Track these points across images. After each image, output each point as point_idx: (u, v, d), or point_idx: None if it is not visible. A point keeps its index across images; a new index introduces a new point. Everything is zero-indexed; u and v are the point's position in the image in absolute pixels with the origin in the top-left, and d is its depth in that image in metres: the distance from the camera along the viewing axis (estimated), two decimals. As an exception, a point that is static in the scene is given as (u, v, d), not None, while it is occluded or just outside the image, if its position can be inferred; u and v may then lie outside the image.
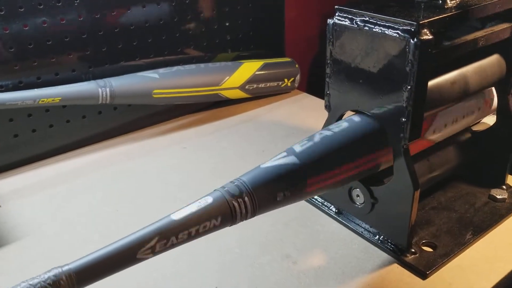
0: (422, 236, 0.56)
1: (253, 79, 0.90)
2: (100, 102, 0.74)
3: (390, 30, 0.46)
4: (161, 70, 0.81)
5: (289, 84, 0.96)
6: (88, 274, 0.36)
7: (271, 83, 0.93)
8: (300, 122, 0.86)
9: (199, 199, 0.41)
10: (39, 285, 0.34)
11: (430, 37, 0.45)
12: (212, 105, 0.93)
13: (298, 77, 0.97)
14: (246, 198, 0.42)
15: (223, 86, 0.86)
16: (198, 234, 0.40)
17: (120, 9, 0.78)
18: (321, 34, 0.49)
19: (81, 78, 0.77)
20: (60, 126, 0.78)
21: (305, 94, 0.99)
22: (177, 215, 0.40)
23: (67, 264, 0.36)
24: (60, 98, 0.70)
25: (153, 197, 0.67)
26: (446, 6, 0.50)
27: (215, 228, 0.41)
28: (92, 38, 0.76)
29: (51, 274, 0.35)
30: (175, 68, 0.83)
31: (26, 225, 0.62)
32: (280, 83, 0.94)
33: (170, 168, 0.74)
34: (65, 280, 0.35)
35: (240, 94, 0.90)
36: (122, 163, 0.76)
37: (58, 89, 0.71)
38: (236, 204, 0.41)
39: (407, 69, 0.45)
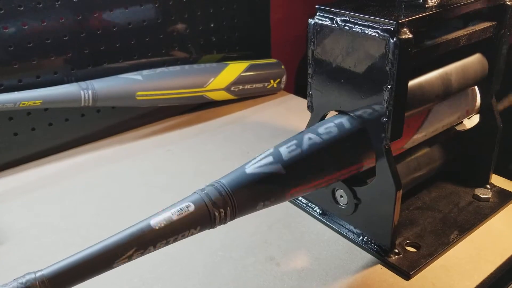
0: (406, 237, 0.56)
1: (238, 81, 0.89)
2: (82, 104, 0.73)
3: (370, 29, 0.46)
4: (144, 72, 0.80)
5: (275, 85, 0.95)
6: (63, 280, 0.35)
7: (257, 85, 0.93)
8: (286, 123, 0.86)
9: (178, 203, 0.41)
10: None
11: (410, 36, 0.44)
12: (197, 107, 0.92)
13: (284, 78, 0.96)
14: (226, 203, 0.41)
15: (208, 87, 0.86)
16: (176, 241, 0.40)
17: (102, 10, 0.77)
18: (307, 36, 0.48)
19: (63, 80, 0.76)
20: (42, 129, 0.77)
21: (291, 95, 0.99)
22: (156, 222, 0.39)
23: (41, 270, 0.35)
24: (41, 101, 0.69)
25: (136, 200, 0.66)
26: (426, 5, 0.49)
27: (194, 234, 0.40)
28: (74, 40, 0.76)
29: (24, 279, 0.34)
30: (159, 69, 0.82)
31: (6, 230, 0.61)
32: (266, 84, 0.94)
33: (154, 171, 0.73)
34: (38, 286, 0.34)
35: (226, 95, 0.89)
36: (106, 166, 0.75)
37: (39, 92, 0.70)
38: (215, 210, 0.41)
39: (387, 68, 0.45)
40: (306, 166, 0.47)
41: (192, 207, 0.40)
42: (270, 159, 0.46)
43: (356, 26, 0.47)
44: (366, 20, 0.47)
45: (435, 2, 0.50)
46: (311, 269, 0.53)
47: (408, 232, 0.57)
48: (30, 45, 0.72)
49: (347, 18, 0.48)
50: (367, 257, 0.54)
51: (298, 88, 1.17)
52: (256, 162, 0.46)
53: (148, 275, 0.53)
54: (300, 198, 0.63)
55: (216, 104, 0.92)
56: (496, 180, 0.65)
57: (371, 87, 0.48)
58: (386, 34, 0.45)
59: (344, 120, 0.51)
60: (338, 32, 0.49)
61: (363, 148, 0.50)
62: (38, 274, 0.35)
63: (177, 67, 0.85)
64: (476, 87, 0.61)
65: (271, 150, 0.47)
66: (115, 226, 0.40)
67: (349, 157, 0.50)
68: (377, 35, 0.45)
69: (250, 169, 0.45)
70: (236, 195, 0.42)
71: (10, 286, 0.34)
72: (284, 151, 0.47)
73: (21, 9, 0.69)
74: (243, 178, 0.44)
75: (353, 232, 0.57)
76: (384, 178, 0.50)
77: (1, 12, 0.68)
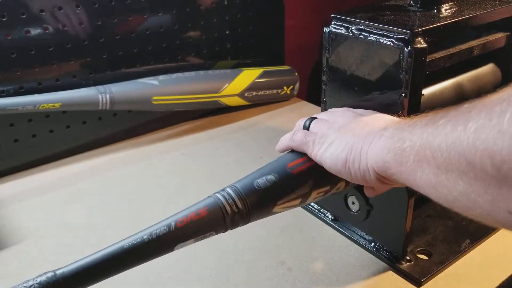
0: (417, 244, 0.56)
1: (252, 87, 0.90)
2: (100, 108, 0.74)
3: (384, 38, 0.47)
4: (161, 77, 0.82)
5: (288, 92, 0.96)
6: (81, 278, 0.36)
7: (270, 91, 0.94)
8: (299, 129, 0.86)
9: (193, 206, 0.41)
10: None
11: (424, 45, 0.45)
12: (211, 112, 0.94)
13: (297, 85, 0.97)
14: (240, 207, 0.42)
15: (223, 93, 0.87)
16: (190, 244, 0.41)
17: (121, 16, 0.79)
18: (321, 42, 0.49)
19: (81, 84, 0.78)
20: (60, 132, 0.78)
21: (304, 102, 1.00)
22: (172, 224, 0.40)
23: (61, 268, 0.36)
24: (60, 103, 0.71)
25: (150, 202, 0.67)
26: (440, 15, 0.50)
27: (207, 237, 0.41)
28: (93, 44, 0.77)
29: (44, 277, 0.35)
30: (175, 75, 0.84)
31: (24, 229, 0.62)
32: (279, 91, 0.95)
33: (168, 174, 0.75)
34: (58, 283, 0.35)
35: (239, 101, 0.90)
36: (121, 169, 0.76)
37: (59, 95, 0.71)
38: (229, 214, 0.41)
39: (401, 77, 0.46)
40: (322, 174, 0.46)
41: (206, 211, 0.41)
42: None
43: (371, 35, 0.48)
44: (381, 29, 0.47)
45: (449, 13, 0.51)
46: (323, 274, 0.53)
47: (419, 240, 0.57)
48: (51, 49, 0.74)
49: (362, 27, 0.49)
50: (379, 263, 0.55)
51: (311, 95, 1.17)
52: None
53: (163, 274, 0.54)
54: (312, 204, 0.63)
55: (230, 109, 0.93)
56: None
57: (385, 96, 0.49)
58: (400, 43, 0.45)
59: None
60: (353, 41, 0.50)
61: None
62: (58, 272, 0.36)
63: (193, 73, 0.86)
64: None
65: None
66: (131, 227, 0.41)
67: None
68: (392, 44, 0.46)
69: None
70: (250, 199, 0.43)
71: (30, 283, 0.35)
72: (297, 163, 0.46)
73: (43, 14, 0.71)
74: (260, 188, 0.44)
75: (364, 239, 0.57)
76: (396, 185, 0.51)
77: (24, 17, 0.70)
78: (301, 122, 0.50)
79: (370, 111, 0.47)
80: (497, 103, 0.26)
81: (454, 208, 0.32)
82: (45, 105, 0.70)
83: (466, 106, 0.30)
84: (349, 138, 0.42)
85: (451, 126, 0.30)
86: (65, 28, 0.74)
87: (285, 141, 0.48)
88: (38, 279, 0.35)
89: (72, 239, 0.60)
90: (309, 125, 0.48)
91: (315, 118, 0.49)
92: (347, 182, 0.46)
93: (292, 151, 0.48)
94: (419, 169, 0.33)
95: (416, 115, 0.37)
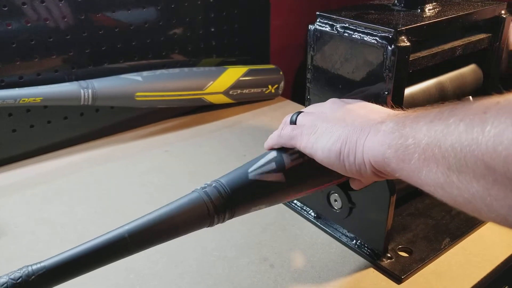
0: (398, 242, 0.57)
1: (237, 85, 0.90)
2: (82, 103, 0.73)
3: (368, 36, 0.47)
4: (144, 73, 0.81)
5: (273, 90, 0.96)
6: (59, 273, 0.36)
7: (255, 89, 0.94)
8: (283, 128, 0.87)
9: (178, 200, 0.41)
10: (5, 285, 0.34)
11: (408, 44, 0.46)
12: (196, 110, 0.93)
13: (282, 84, 0.98)
14: (224, 202, 0.42)
15: (207, 90, 0.87)
16: (173, 238, 0.40)
17: (105, 11, 0.78)
18: (307, 43, 0.49)
19: (63, 79, 0.77)
20: (41, 127, 0.77)
21: (288, 101, 1.00)
22: (155, 218, 0.39)
23: (39, 262, 0.35)
24: (41, 98, 0.70)
25: (132, 199, 0.67)
26: (424, 15, 0.51)
27: (191, 231, 0.41)
28: (76, 39, 0.76)
29: (20, 272, 0.35)
30: (159, 71, 0.83)
31: (3, 225, 0.61)
32: (264, 89, 0.95)
33: (152, 171, 0.74)
34: (34, 278, 0.34)
35: (224, 99, 0.90)
36: (103, 165, 0.76)
37: (40, 89, 0.70)
38: (214, 208, 0.41)
39: (385, 75, 0.46)
40: (306, 176, 0.46)
41: (191, 205, 0.40)
42: (273, 165, 0.45)
43: (355, 33, 0.49)
44: (365, 28, 0.48)
45: (432, 13, 0.51)
46: (304, 271, 0.53)
47: (400, 237, 0.57)
48: (32, 42, 0.72)
49: (347, 25, 0.49)
50: (360, 260, 0.55)
51: (296, 94, 1.18)
52: (258, 168, 0.45)
53: (144, 272, 0.53)
54: (295, 201, 0.63)
55: (214, 107, 0.93)
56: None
57: (369, 93, 0.49)
58: (384, 42, 0.46)
59: None
60: (338, 39, 0.51)
61: None
62: (35, 266, 0.35)
63: (177, 70, 0.85)
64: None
65: (274, 154, 0.46)
66: (111, 223, 0.40)
67: None
68: (376, 42, 0.46)
69: (252, 174, 0.44)
70: (235, 195, 0.43)
71: (6, 278, 0.34)
72: (286, 159, 0.46)
73: (25, 7, 0.70)
74: (244, 180, 0.44)
75: (346, 236, 0.58)
76: (378, 183, 0.51)
77: (5, 9, 0.69)
78: (287, 118, 0.49)
79: (358, 100, 0.46)
80: None
81: (463, 209, 0.31)
82: (26, 99, 0.69)
83: (477, 104, 0.29)
84: (341, 129, 0.41)
85: (464, 126, 0.29)
86: (47, 22, 0.73)
87: (273, 137, 0.47)
88: (12, 275, 0.34)
89: (52, 235, 0.59)
90: (296, 119, 0.47)
91: (301, 112, 0.48)
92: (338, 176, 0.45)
93: (281, 148, 0.47)
94: (425, 168, 0.32)
95: (417, 109, 0.36)
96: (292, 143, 0.45)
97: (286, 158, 0.46)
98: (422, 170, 0.33)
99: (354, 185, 0.47)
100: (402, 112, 0.39)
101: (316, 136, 0.42)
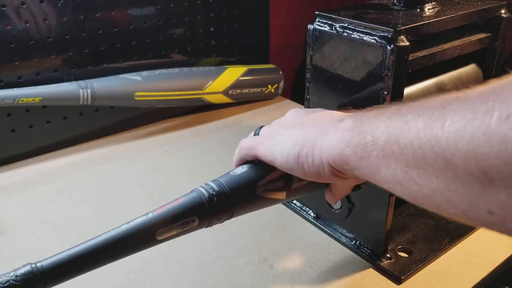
0: (398, 242, 0.57)
1: (236, 85, 0.90)
2: (81, 103, 0.73)
3: (368, 36, 0.47)
4: (144, 73, 0.81)
5: (272, 90, 0.96)
6: (58, 273, 0.35)
7: (254, 89, 0.93)
8: (283, 128, 0.86)
9: (176, 199, 0.41)
10: (7, 283, 0.34)
11: (407, 43, 0.45)
12: (195, 110, 0.93)
13: (281, 84, 0.97)
14: (223, 202, 0.42)
15: (207, 90, 0.87)
16: (172, 238, 0.40)
17: (104, 11, 0.78)
18: (306, 42, 0.49)
19: (62, 78, 0.77)
20: (40, 127, 0.77)
21: (288, 100, 1.00)
22: (155, 217, 0.39)
23: (40, 261, 0.35)
24: (40, 98, 0.70)
25: (131, 199, 0.67)
26: (423, 15, 0.51)
27: (190, 231, 0.41)
28: (75, 39, 0.76)
29: (22, 270, 0.35)
30: (158, 71, 0.83)
31: (3, 225, 0.61)
32: (264, 89, 0.95)
33: (151, 171, 0.74)
34: (37, 276, 0.34)
35: (223, 99, 0.90)
36: (102, 165, 0.75)
37: (39, 89, 0.70)
38: (213, 208, 0.41)
39: (384, 75, 0.46)
40: (304, 192, 0.46)
41: (190, 204, 0.40)
42: (281, 184, 0.44)
43: (355, 33, 0.48)
44: (365, 27, 0.47)
45: (432, 12, 0.51)
46: (304, 271, 0.53)
47: (400, 238, 0.57)
48: (31, 42, 0.72)
49: (346, 25, 0.49)
50: (359, 261, 0.55)
51: (296, 94, 1.18)
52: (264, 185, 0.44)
53: (143, 272, 0.53)
54: (294, 202, 0.63)
55: (213, 107, 0.93)
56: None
57: (368, 93, 0.49)
58: (383, 41, 0.46)
59: None
60: (337, 38, 0.50)
61: None
62: (38, 264, 0.35)
63: (176, 69, 0.85)
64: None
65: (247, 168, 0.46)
66: (111, 223, 0.40)
67: None
68: (375, 42, 0.46)
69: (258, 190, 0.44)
70: (234, 194, 0.42)
71: (5, 278, 0.34)
72: (295, 178, 0.45)
73: (24, 6, 0.70)
74: (243, 180, 0.44)
75: (346, 236, 0.57)
76: (378, 183, 0.51)
77: (4, 9, 0.68)
78: (251, 133, 0.49)
79: (320, 109, 0.46)
80: (481, 102, 0.25)
81: (423, 205, 0.31)
82: (25, 99, 0.68)
83: (435, 100, 0.29)
84: (300, 132, 0.41)
85: (423, 122, 0.29)
86: (46, 22, 0.73)
87: (235, 153, 0.47)
88: (16, 272, 0.34)
89: (52, 235, 0.59)
90: (259, 133, 0.47)
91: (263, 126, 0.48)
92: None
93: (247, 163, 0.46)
94: (383, 165, 0.32)
95: (374, 108, 0.36)
96: (253, 153, 0.44)
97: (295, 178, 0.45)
98: (381, 167, 0.32)
99: (328, 198, 0.47)
100: (362, 110, 0.39)
101: (275, 142, 0.42)
